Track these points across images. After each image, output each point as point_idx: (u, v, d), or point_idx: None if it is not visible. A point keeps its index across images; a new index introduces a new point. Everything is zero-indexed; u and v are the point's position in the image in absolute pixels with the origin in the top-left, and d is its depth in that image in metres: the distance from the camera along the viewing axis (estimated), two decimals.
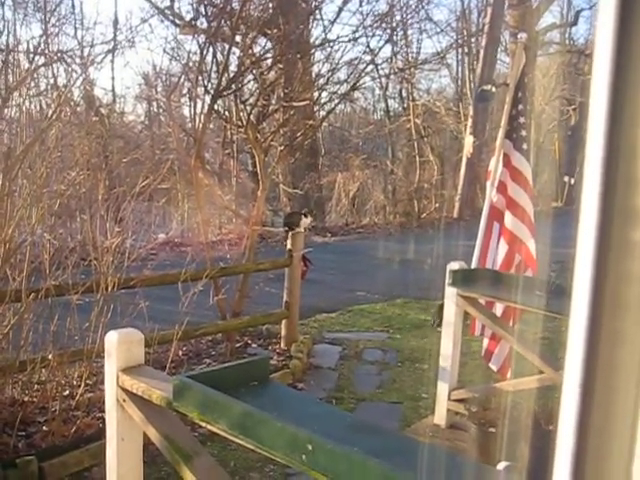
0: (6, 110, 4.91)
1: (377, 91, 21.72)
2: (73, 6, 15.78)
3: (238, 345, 6.40)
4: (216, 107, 6.80)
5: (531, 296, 4.27)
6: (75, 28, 15.04)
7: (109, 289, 4.65)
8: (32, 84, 5.62)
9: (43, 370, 4.52)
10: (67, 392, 4.71)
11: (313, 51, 8.40)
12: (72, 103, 6.37)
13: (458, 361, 4.87)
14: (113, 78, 16.60)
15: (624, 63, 0.50)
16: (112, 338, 2.53)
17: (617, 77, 0.50)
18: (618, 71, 0.50)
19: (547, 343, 5.29)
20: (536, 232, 5.24)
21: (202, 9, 7.11)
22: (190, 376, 2.27)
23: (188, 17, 9.15)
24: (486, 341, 5.24)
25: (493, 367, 5.17)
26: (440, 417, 4.78)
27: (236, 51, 7.21)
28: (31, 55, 5.30)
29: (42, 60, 5.69)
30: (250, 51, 6.91)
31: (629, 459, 0.51)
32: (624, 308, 0.51)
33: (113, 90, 16.93)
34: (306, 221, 6.61)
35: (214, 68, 6.59)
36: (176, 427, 2.41)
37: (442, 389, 4.78)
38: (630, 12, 0.49)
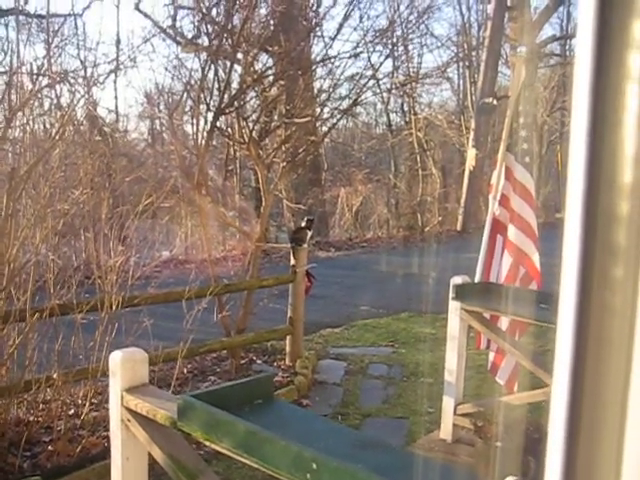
0: (10, 131, 4.94)
1: (379, 105, 21.84)
2: (76, 26, 15.99)
3: (243, 362, 6.39)
4: (218, 124, 6.83)
5: (536, 309, 4.26)
6: (78, 48, 15.22)
7: (113, 308, 4.66)
8: (36, 104, 5.66)
9: (48, 389, 4.52)
10: (72, 411, 4.70)
11: (314, 67, 8.43)
12: (76, 123, 6.41)
13: (463, 375, 4.85)
14: (116, 97, 16.74)
15: (604, 67, 0.50)
16: (116, 358, 2.53)
17: (597, 82, 0.51)
18: (598, 76, 0.50)
19: (553, 356, 5.26)
20: (540, 244, 5.24)
21: (203, 27, 7.15)
22: (194, 395, 2.27)
23: (190, 35, 9.21)
24: (492, 355, 5.22)
25: (500, 381, 5.14)
26: (446, 432, 4.75)
27: (238, 68, 7.25)
28: (34, 76, 5.33)
29: (45, 81, 5.73)
30: (252, 68, 6.94)
31: (618, 465, 0.51)
32: (609, 314, 0.52)
33: (116, 109, 17.06)
34: (308, 233, 6.63)
35: (216, 85, 6.63)
36: (180, 446, 2.41)
37: (448, 403, 4.76)
38: (608, 18, 0.50)
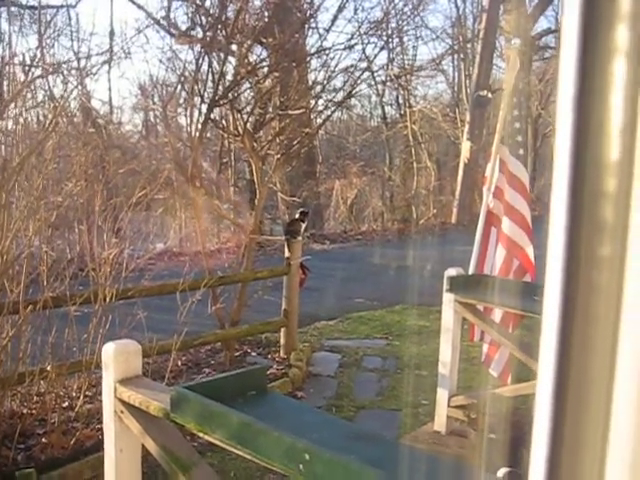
0: (2, 122, 4.91)
1: (374, 98, 21.81)
2: (69, 17, 15.87)
3: (237, 354, 6.39)
4: (212, 116, 6.81)
5: (530, 301, 4.26)
6: (71, 40, 15.12)
7: (107, 300, 4.65)
8: (28, 96, 5.63)
9: (42, 382, 4.51)
10: (66, 404, 4.70)
11: (309, 59, 8.41)
12: (69, 114, 6.37)
13: (457, 367, 4.86)
14: (110, 89, 16.65)
15: (590, 41, 0.50)
16: (109, 349, 2.52)
17: (583, 56, 0.50)
18: (584, 51, 0.50)
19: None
20: (534, 237, 5.24)
21: (197, 19, 7.12)
22: (187, 387, 2.26)
23: (184, 27, 9.17)
24: (486, 347, 5.23)
25: (494, 373, 5.15)
26: (440, 424, 4.76)
27: (232, 60, 7.23)
28: (27, 67, 5.30)
29: (38, 72, 5.69)
30: (246, 60, 6.92)
31: (602, 461, 0.51)
32: (596, 292, 0.51)
33: (110, 101, 16.97)
34: (302, 225, 6.63)
35: (210, 77, 6.60)
36: (174, 438, 2.41)
37: (441, 395, 4.77)
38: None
